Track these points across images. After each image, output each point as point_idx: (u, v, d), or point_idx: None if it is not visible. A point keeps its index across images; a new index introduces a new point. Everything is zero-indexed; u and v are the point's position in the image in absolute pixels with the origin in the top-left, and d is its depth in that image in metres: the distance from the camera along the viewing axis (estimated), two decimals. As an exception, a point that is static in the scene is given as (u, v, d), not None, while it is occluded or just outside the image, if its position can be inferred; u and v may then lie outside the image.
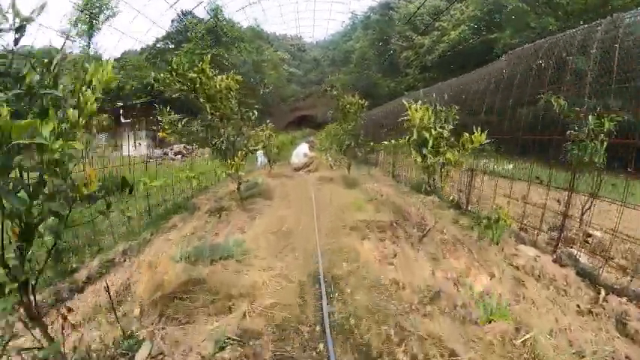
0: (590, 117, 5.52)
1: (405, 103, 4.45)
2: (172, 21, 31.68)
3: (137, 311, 3.87)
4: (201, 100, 5.57)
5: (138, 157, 14.65)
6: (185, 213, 7.46)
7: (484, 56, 21.18)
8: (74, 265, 5.05)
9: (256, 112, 6.34)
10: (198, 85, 5.40)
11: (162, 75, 5.38)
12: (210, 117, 5.90)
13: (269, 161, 12.19)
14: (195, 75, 5.43)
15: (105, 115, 21.12)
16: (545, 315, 3.89)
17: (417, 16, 30.44)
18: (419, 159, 4.16)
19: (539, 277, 4.85)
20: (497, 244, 5.27)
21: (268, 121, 6.42)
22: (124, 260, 5.44)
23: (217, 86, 5.65)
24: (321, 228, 5.90)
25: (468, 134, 4.49)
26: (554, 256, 5.44)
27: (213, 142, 5.99)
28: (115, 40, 47.88)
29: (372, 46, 34.71)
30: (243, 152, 6.15)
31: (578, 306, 4.17)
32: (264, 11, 37.09)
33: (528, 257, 5.38)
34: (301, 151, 12.55)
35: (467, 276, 4.68)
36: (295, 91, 39.33)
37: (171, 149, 22.09)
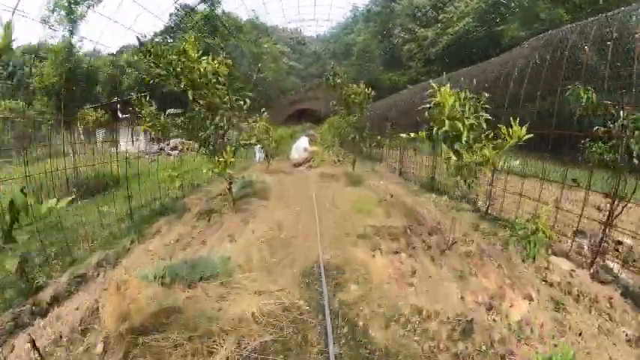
0: (621, 111, 4.80)
1: (434, 85, 3.54)
2: (171, 15, 30.54)
3: (100, 347, 3.05)
4: (182, 86, 4.64)
5: (135, 153, 13.75)
6: (172, 215, 6.58)
7: (490, 49, 20.17)
8: (41, 282, 4.22)
9: (248, 101, 5.39)
10: (178, 69, 4.47)
11: (136, 57, 4.47)
12: (196, 107, 4.99)
13: (266, 156, 11.28)
14: (176, 57, 4.51)
15: (102, 111, 20.17)
16: (596, 351, 3.14)
17: (419, 7, 29.28)
18: (453, 157, 3.24)
19: (578, 296, 4.08)
20: (534, 259, 4.40)
21: (263, 110, 5.46)
22: (98, 275, 4.59)
23: (202, 70, 4.72)
24: (323, 235, 5.02)
25: (505, 127, 3.56)
26: (591, 271, 4.62)
27: (199, 136, 5.09)
28: (119, 35, 46.35)
29: (374, 39, 33.51)
30: (233, 147, 5.24)
31: (626, 334, 3.41)
32: (264, 4, 35.61)
33: (563, 272, 4.60)
34: (301, 146, 11.63)
35: (501, 299, 3.86)
36: (295, 84, 38.10)
37: (168, 144, 21.11)
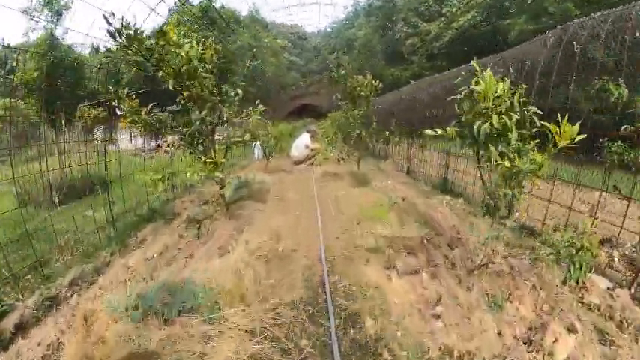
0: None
1: (475, 64, 2.78)
2: (169, 10, 29.56)
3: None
4: (162, 74, 3.85)
5: (133, 151, 12.95)
6: (160, 221, 5.84)
7: (496, 44, 19.32)
8: (5, 305, 3.48)
9: (240, 92, 4.59)
10: (157, 55, 3.69)
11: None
12: (181, 100, 4.23)
13: (265, 154, 10.52)
14: (156, 41, 3.74)
15: (100, 108, 19.37)
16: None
17: (422, 1, 28.30)
18: (503, 162, 2.44)
19: (621, 323, 3.41)
20: (577, 282, 3.65)
21: (258, 102, 4.68)
22: (71, 295, 3.86)
23: (184, 55, 3.92)
24: (328, 248, 4.27)
25: (553, 126, 2.77)
26: (632, 290, 3.92)
27: (183, 132, 4.32)
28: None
29: (376, 34, 32.54)
30: (223, 146, 4.49)
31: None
32: (265, -1, 34.60)
33: (601, 291, 3.90)
34: (302, 143, 10.85)
35: (542, 331, 3.14)
36: (296, 79, 37.15)
37: (165, 141, 20.27)
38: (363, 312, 2.98)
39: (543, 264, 4.19)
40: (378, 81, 6.74)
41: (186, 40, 3.89)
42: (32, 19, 9.05)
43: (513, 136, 2.52)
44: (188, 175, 4.02)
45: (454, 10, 26.28)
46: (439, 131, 3.15)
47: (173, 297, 3.07)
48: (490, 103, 2.55)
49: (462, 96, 3.17)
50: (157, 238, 5.20)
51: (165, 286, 3.27)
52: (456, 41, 25.33)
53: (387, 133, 7.31)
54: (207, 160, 4.08)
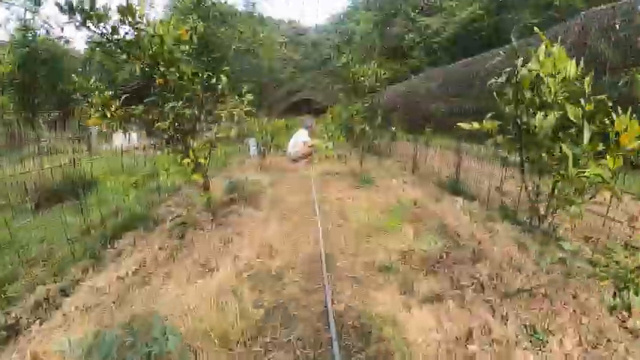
0: None
1: (543, 35, 2.08)
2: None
3: None
4: (126, 57, 3.10)
5: (130, 149, 12.17)
6: (142, 229, 5.11)
7: (499, 39, 18.65)
8: None
9: (225, 79, 3.81)
10: (122, 34, 2.95)
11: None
12: (155, 90, 3.49)
13: (259, 151, 9.80)
14: (120, 17, 2.99)
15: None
16: None
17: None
18: (571, 168, 1.74)
19: None
20: (629, 310, 2.97)
21: (245, 89, 3.90)
22: (34, 321, 3.15)
23: (153, 33, 3.16)
24: (331, 266, 3.57)
25: (621, 120, 2.05)
26: None
27: (155, 125, 3.58)
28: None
29: (374, 28, 31.69)
30: (206, 143, 3.75)
31: None
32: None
33: None
34: (299, 139, 10.10)
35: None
36: (294, 74, 36.18)
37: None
38: (379, 359, 2.29)
39: (578, 283, 3.53)
40: (384, 71, 6.00)
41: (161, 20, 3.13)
42: (6, 8, 8.23)
43: (586, 133, 1.82)
44: (161, 178, 3.30)
45: (454, 4, 25.46)
46: (475, 124, 2.44)
47: (136, 338, 2.35)
48: (554, 87, 1.85)
49: (504, 81, 2.45)
50: (136, 249, 4.49)
51: (130, 323, 2.56)
52: (456, 36, 24.53)
53: (394, 127, 6.60)
54: (186, 161, 3.35)
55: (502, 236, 4.59)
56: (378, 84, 5.97)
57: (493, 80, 2.42)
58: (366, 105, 6.29)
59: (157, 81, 3.37)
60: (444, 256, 3.81)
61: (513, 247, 4.32)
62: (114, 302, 3.30)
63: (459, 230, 4.58)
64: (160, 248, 4.38)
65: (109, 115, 3.77)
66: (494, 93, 2.52)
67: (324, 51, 36.53)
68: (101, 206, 5.32)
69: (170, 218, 5.38)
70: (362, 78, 5.93)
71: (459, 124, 2.40)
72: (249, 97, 3.86)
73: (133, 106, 3.75)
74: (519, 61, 2.38)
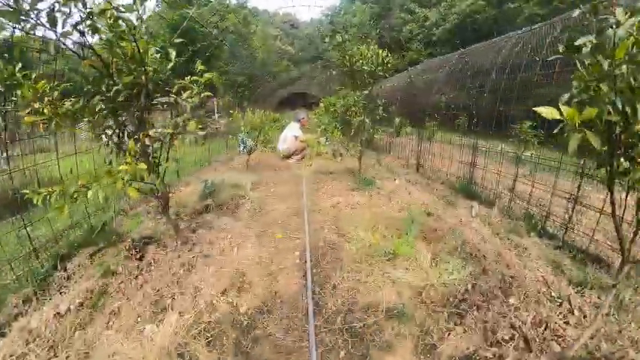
0: None
1: None
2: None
3: None
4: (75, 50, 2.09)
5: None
6: (99, 245, 4.07)
7: (501, 30, 17.63)
8: None
9: (174, 53, 2.69)
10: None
11: None
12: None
13: (244, 148, 8.73)
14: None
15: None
16: None
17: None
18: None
19: None
20: None
21: (201, 64, 2.89)
22: None
23: (108, 20, 2.16)
24: (322, 309, 2.57)
25: None
26: None
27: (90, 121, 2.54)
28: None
29: (371, 20, 30.51)
30: (158, 141, 2.71)
31: None
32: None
33: None
34: (290, 134, 9.04)
35: None
36: (288, 67, 34.86)
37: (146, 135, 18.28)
38: None
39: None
40: (388, 53, 4.92)
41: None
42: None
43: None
44: (90, 194, 2.25)
45: (454, -5, 24.39)
46: (553, 111, 1.46)
47: None
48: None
49: (589, 49, 1.48)
50: (87, 273, 3.47)
51: None
52: (457, 27, 23.44)
53: (398, 120, 5.58)
54: (123, 168, 2.31)
55: (530, 255, 3.64)
56: (380, 69, 4.91)
57: (562, 48, 1.46)
58: (366, 93, 5.24)
59: (83, 63, 2.31)
60: (470, 289, 2.84)
61: (540, 263, 3.38)
62: (47, 350, 2.35)
63: (481, 248, 3.60)
64: (114, 273, 3.36)
65: (46, 112, 2.70)
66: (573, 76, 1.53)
67: (319, 44, 35.28)
68: (56, 220, 4.28)
69: (136, 231, 4.37)
70: (360, 62, 4.88)
71: (537, 108, 1.40)
72: (208, 76, 2.80)
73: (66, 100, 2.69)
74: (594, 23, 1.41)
